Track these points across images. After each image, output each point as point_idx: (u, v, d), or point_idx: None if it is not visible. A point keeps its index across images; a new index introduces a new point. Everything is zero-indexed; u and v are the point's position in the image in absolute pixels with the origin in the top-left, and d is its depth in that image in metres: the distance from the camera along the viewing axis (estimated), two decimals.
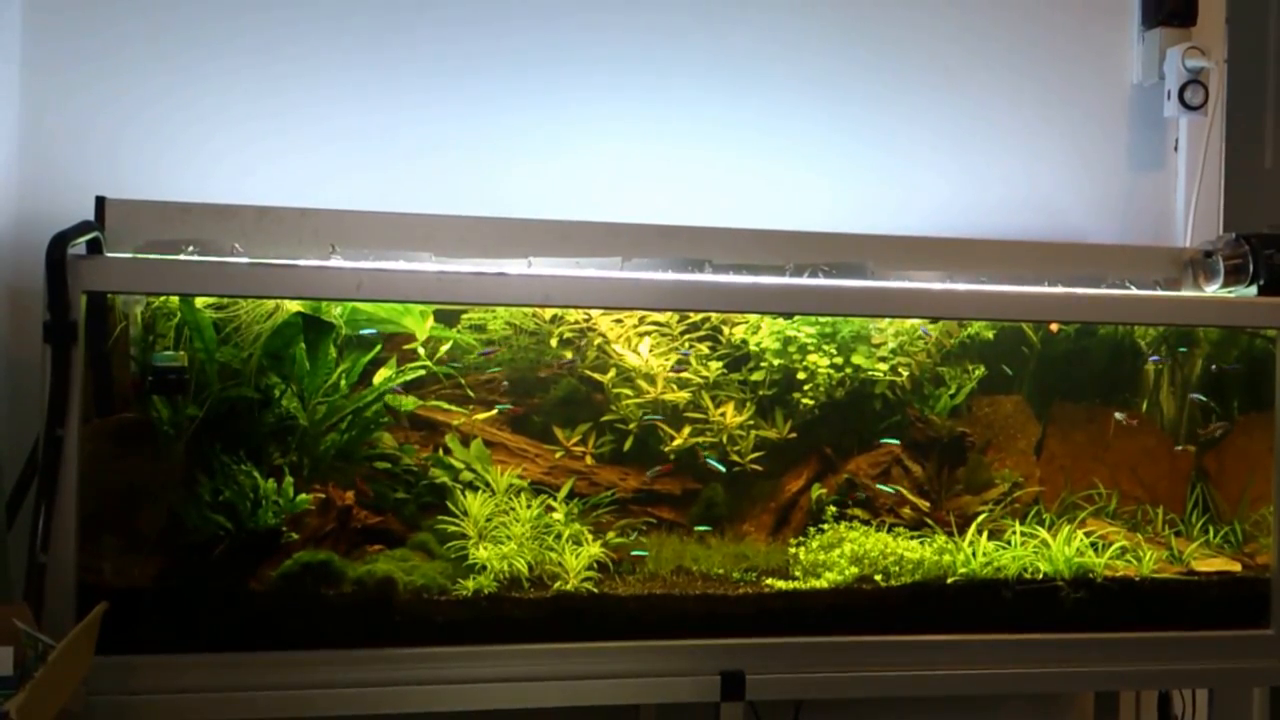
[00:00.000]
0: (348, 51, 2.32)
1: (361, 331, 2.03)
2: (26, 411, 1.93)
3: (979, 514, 2.20)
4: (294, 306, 1.98)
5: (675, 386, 2.16)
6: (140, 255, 1.92)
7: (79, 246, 1.82)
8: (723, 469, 2.13)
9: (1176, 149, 2.64)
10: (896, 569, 2.10)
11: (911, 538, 2.16)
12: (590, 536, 2.05)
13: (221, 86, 2.27)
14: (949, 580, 2.11)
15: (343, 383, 2.02)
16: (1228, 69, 2.66)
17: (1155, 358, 2.35)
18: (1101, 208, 2.60)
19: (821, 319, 2.21)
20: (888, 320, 2.23)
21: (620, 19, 2.43)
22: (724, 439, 2.18)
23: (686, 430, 2.17)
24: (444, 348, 2.10)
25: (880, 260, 2.18)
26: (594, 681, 1.95)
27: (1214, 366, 2.34)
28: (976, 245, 2.33)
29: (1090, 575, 2.15)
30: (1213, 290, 2.30)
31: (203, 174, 2.24)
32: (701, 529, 2.13)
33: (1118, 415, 2.32)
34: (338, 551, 1.96)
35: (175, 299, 1.93)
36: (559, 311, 2.13)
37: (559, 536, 2.03)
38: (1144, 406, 2.40)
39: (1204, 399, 2.33)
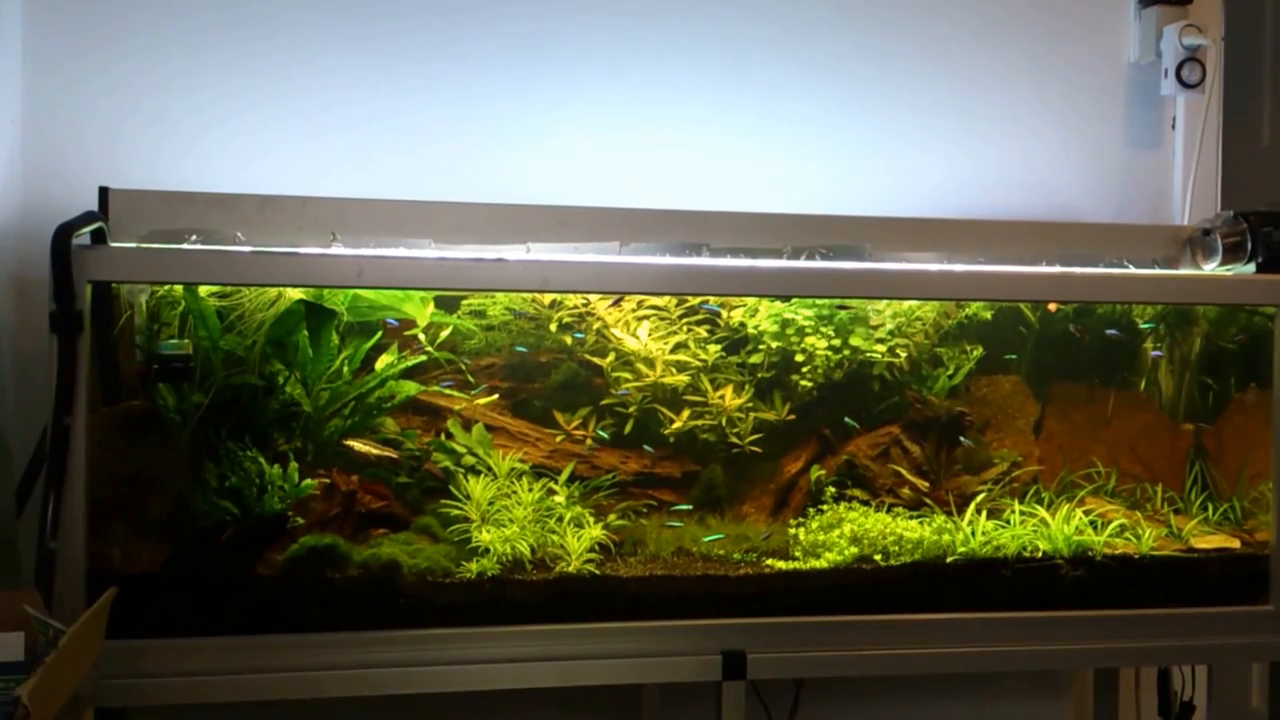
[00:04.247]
0: (345, 40, 2.33)
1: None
2: (34, 401, 1.95)
3: (978, 494, 2.21)
4: (296, 294, 1.99)
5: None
6: (144, 245, 1.94)
7: (83, 237, 1.83)
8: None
9: (1174, 127, 2.64)
10: (896, 549, 2.12)
11: (911, 518, 2.17)
12: (591, 519, 2.07)
13: (221, 77, 2.28)
14: (948, 559, 2.13)
15: (345, 369, 2.04)
16: (1225, 46, 2.65)
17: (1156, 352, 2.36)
18: (1099, 187, 2.60)
19: (819, 301, 2.22)
20: (885, 302, 2.24)
21: (616, 4, 2.43)
22: (723, 421, 2.19)
23: (686, 413, 2.19)
24: (444, 333, 2.12)
25: (878, 242, 2.19)
26: (596, 662, 1.97)
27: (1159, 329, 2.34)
28: (974, 226, 2.33)
29: (1089, 553, 2.16)
30: (1211, 268, 2.30)
31: (204, 164, 2.26)
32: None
33: (1071, 328, 2.31)
34: (343, 536, 1.98)
35: (179, 288, 1.95)
36: (558, 296, 2.14)
37: (560, 519, 2.05)
38: (1142, 385, 2.41)
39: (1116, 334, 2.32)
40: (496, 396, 2.14)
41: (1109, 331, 2.32)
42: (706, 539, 2.10)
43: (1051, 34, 2.58)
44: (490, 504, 2.04)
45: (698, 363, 2.20)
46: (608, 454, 2.15)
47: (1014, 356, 2.32)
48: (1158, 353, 2.37)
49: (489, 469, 2.06)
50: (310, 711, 2.03)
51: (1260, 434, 2.24)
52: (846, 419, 2.21)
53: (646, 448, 2.15)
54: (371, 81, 2.34)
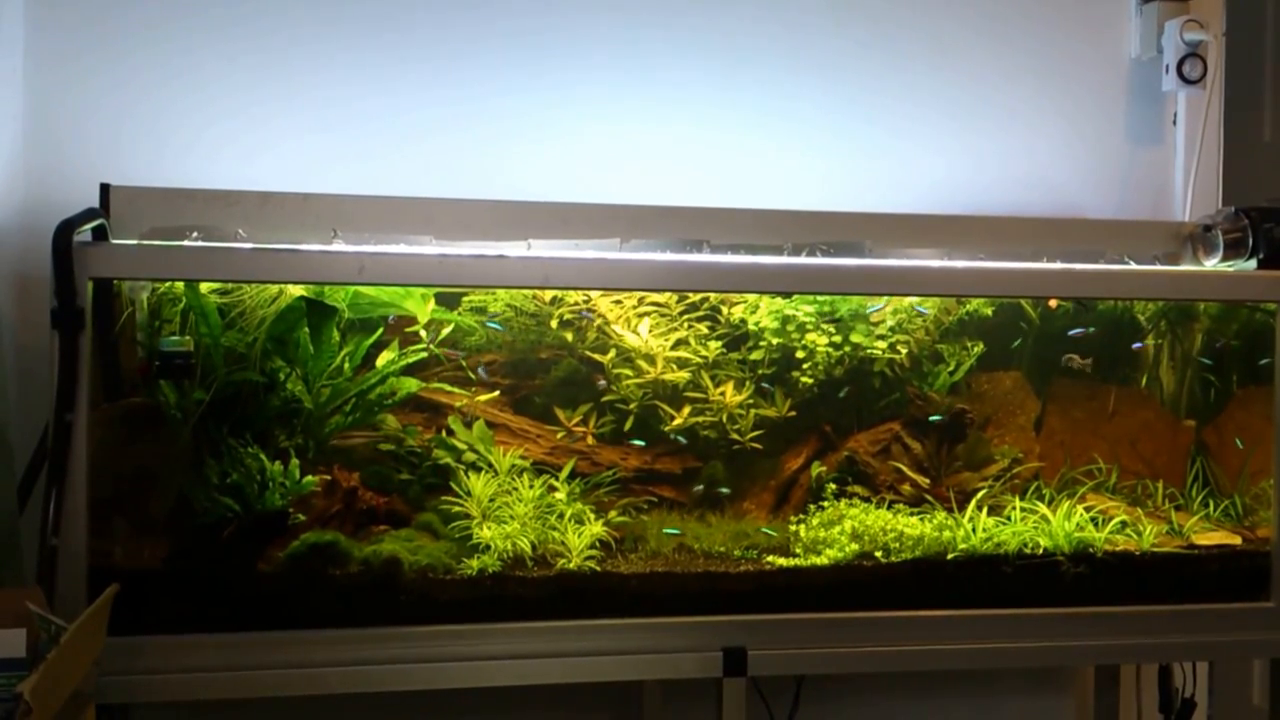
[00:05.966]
0: (346, 36, 2.33)
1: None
2: (36, 397, 1.95)
3: (979, 490, 2.21)
4: (297, 291, 2.00)
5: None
6: (145, 242, 1.94)
7: (85, 234, 1.84)
8: None
9: (1175, 123, 2.64)
10: (897, 545, 2.12)
11: (911, 514, 2.17)
12: (592, 515, 2.07)
13: (221, 73, 2.28)
14: (949, 556, 2.13)
15: (346, 366, 2.05)
16: (1226, 42, 2.65)
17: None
18: (1100, 183, 2.60)
19: (820, 298, 2.21)
20: (885, 298, 2.24)
21: (618, 1, 2.43)
22: (724, 418, 2.19)
23: (687, 409, 2.19)
24: (445, 330, 2.12)
25: (878, 238, 2.19)
26: (597, 658, 1.97)
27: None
28: (974, 222, 2.33)
29: (1090, 550, 2.16)
30: (1212, 264, 2.30)
31: (205, 160, 2.26)
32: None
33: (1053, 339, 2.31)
34: (344, 532, 1.98)
35: (180, 284, 1.95)
36: (559, 293, 2.14)
37: (561, 516, 2.05)
38: (1143, 381, 2.41)
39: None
40: (497, 393, 2.14)
41: (1071, 332, 2.32)
42: (667, 530, 2.09)
43: (1052, 30, 2.58)
44: (491, 501, 2.04)
45: (698, 359, 2.20)
46: (608, 450, 2.15)
47: (1018, 344, 2.32)
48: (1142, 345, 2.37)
49: (490, 465, 2.06)
50: (311, 708, 2.04)
51: (1262, 430, 2.24)
52: (844, 390, 2.21)
53: (668, 433, 2.14)
54: (372, 78, 2.34)
